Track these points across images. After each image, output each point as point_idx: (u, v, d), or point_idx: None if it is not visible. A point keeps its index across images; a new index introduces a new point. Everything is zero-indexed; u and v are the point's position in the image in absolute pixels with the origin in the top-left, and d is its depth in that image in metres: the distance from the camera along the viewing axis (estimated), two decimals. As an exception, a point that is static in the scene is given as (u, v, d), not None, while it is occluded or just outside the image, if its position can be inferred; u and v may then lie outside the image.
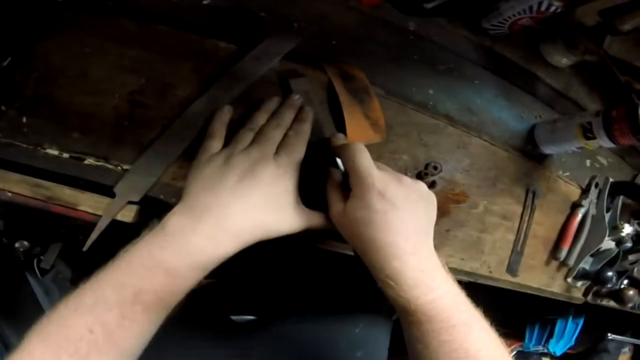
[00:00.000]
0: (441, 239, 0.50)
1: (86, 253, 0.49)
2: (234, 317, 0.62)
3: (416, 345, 0.34)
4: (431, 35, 0.49)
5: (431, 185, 0.48)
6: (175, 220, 0.33)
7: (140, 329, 0.31)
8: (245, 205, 0.34)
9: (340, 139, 0.40)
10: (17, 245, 0.50)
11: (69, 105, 0.37)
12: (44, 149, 0.36)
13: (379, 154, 0.45)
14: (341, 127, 0.42)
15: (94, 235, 0.37)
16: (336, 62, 0.44)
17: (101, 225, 0.37)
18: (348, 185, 0.36)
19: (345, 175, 0.37)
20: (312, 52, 0.42)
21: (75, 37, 0.37)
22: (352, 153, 0.35)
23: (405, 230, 0.34)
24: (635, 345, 0.97)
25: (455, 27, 0.51)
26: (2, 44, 0.35)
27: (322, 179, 0.39)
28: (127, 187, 0.38)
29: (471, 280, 0.55)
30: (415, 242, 0.34)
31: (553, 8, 0.49)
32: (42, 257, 0.53)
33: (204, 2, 0.40)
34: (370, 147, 0.42)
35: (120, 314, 0.30)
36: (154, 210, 0.38)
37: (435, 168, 0.47)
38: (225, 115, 0.39)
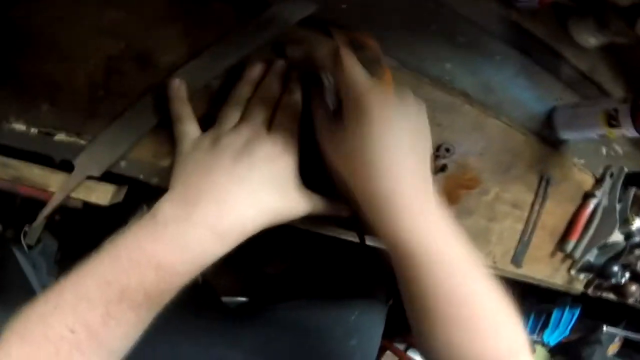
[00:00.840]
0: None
1: (71, 225, 0.46)
2: (225, 299, 0.61)
3: (412, 288, 0.32)
4: (454, 4, 0.45)
5: (441, 169, 0.45)
6: (167, 208, 0.30)
7: (127, 328, 0.29)
8: (247, 188, 0.31)
9: (325, 50, 0.36)
10: None
11: (37, 74, 0.32)
12: (10, 123, 0.32)
13: None
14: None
15: (45, 211, 0.34)
16: (346, 28, 0.40)
17: (54, 202, 0.34)
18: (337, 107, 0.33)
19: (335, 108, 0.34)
20: (320, 15, 0.38)
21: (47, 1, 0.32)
22: (344, 68, 0.31)
23: (404, 162, 0.31)
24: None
25: (481, -4, 0.47)
26: None
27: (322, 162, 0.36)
28: (87, 160, 0.34)
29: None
30: (414, 176, 0.31)
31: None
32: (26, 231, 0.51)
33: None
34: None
35: (106, 313, 0.27)
36: (137, 194, 0.35)
37: (447, 150, 0.45)
38: (179, 90, 0.34)
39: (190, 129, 0.34)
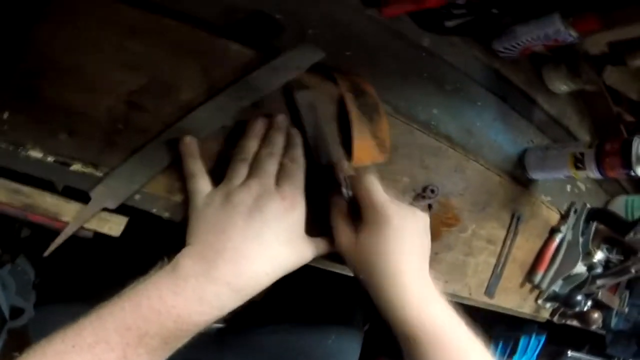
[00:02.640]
0: (429, 262, 0.56)
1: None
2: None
3: None
4: (443, 53, 0.53)
5: (428, 209, 0.53)
6: (187, 263, 0.34)
7: None
8: (260, 245, 0.36)
9: (345, 166, 0.43)
10: None
11: (59, 103, 0.36)
12: (26, 150, 0.36)
13: (380, 174, 0.48)
14: (347, 144, 0.45)
15: (58, 240, 0.38)
16: (348, 73, 0.47)
17: (68, 231, 0.37)
18: (353, 212, 0.41)
19: (351, 203, 0.41)
20: (326, 60, 0.45)
21: (71, 25, 0.36)
22: (366, 187, 0.39)
23: (414, 262, 0.39)
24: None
25: (468, 46, 0.56)
26: None
27: (323, 204, 0.43)
28: (104, 192, 0.38)
29: (449, 300, 0.62)
30: (421, 272, 0.39)
31: (569, 39, 0.55)
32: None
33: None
34: (372, 168, 0.46)
35: (123, 356, 0.31)
36: (145, 225, 0.40)
37: (432, 192, 0.53)
38: (191, 147, 0.39)
39: (202, 185, 0.38)
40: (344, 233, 0.41)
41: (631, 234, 0.71)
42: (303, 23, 0.46)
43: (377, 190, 0.39)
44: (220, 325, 0.68)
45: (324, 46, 0.45)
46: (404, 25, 0.51)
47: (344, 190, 0.41)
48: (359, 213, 0.41)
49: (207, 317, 0.34)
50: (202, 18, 0.41)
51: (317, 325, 0.65)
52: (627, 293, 0.96)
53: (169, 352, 0.34)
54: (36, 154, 0.36)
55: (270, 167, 0.40)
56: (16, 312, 0.79)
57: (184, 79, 0.40)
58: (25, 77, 0.36)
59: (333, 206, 0.43)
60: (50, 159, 0.37)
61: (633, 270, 0.81)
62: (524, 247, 0.69)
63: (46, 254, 0.38)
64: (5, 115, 0.35)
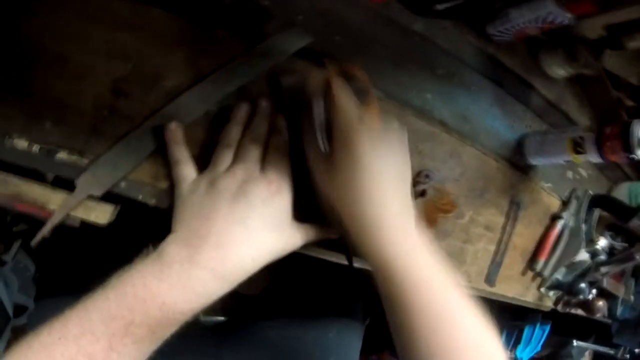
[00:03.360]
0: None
1: (49, 248, 0.49)
2: (202, 318, 0.65)
3: (394, 305, 0.36)
4: (435, 37, 0.52)
5: (421, 194, 0.52)
6: (172, 250, 0.34)
7: None
8: (245, 230, 0.35)
9: (311, 74, 0.40)
10: None
11: (44, 92, 0.36)
12: (12, 139, 0.36)
13: None
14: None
15: (45, 230, 0.38)
16: (338, 59, 0.46)
17: (54, 220, 0.37)
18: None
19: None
20: (314, 47, 0.44)
21: (58, 15, 0.36)
22: (333, 99, 0.37)
23: (390, 181, 0.36)
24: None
25: (460, 31, 0.55)
26: None
27: (311, 190, 0.41)
28: (89, 180, 0.38)
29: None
30: (400, 214, 0.37)
31: (564, 20, 0.54)
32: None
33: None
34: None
35: (109, 346, 0.31)
36: (132, 213, 0.39)
37: (427, 177, 0.52)
38: (176, 133, 0.39)
39: (187, 171, 0.38)
40: (315, 158, 0.39)
41: (635, 220, 0.70)
42: (291, 10, 0.45)
43: (346, 103, 0.37)
44: (220, 319, 0.68)
45: (313, 33, 0.45)
46: (394, 10, 0.50)
47: (320, 143, 0.38)
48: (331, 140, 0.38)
49: (193, 304, 0.34)
50: (189, 5, 0.40)
51: (317, 319, 0.65)
52: (632, 281, 0.94)
53: (157, 343, 0.34)
54: (22, 143, 0.36)
55: (255, 152, 0.39)
56: (19, 309, 0.80)
57: (169, 66, 0.40)
58: (12, 67, 0.36)
59: (305, 132, 0.41)
60: (35, 148, 0.37)
61: (638, 257, 0.79)
62: (524, 234, 0.67)
63: (33, 243, 0.38)
64: (-10, 105, 0.35)
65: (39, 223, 0.39)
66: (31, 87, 0.36)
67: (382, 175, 0.36)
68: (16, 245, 0.60)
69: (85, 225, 0.39)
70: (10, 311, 0.74)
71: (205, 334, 0.62)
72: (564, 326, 1.02)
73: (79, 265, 0.58)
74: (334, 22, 0.47)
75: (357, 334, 0.70)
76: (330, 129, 0.38)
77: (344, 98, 0.38)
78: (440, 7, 0.50)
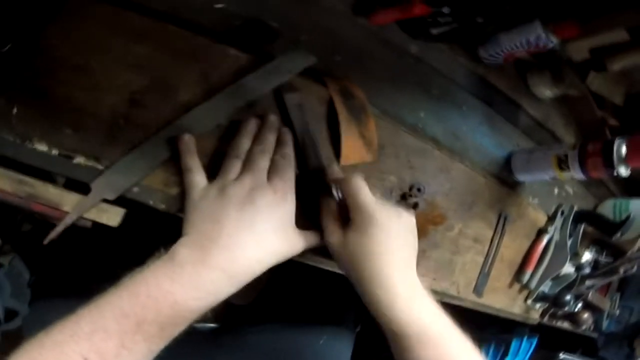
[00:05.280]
0: (417, 259, 0.59)
1: (46, 255, 0.52)
2: (195, 325, 0.67)
3: (405, 358, 0.41)
4: (430, 59, 0.57)
5: (414, 207, 0.56)
6: (184, 251, 0.37)
7: (138, 358, 0.34)
8: (253, 234, 0.38)
9: (336, 170, 0.46)
10: None
11: (65, 100, 0.39)
12: (32, 143, 0.39)
13: (368, 173, 0.51)
14: (336, 144, 0.49)
15: (59, 229, 0.40)
16: (338, 77, 0.50)
17: (68, 220, 0.40)
18: (343, 212, 0.43)
19: (340, 204, 0.44)
20: (317, 65, 0.48)
21: (80, 28, 0.40)
22: (354, 189, 0.42)
23: (401, 261, 0.42)
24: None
25: (454, 53, 0.59)
26: (6, 28, 0.37)
27: (314, 199, 0.46)
28: (104, 184, 0.40)
29: (438, 299, 0.64)
30: (407, 271, 0.42)
31: (551, 44, 0.58)
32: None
33: (217, 6, 0.45)
34: (360, 166, 0.49)
35: (120, 344, 0.32)
36: (141, 217, 0.42)
37: (419, 190, 0.56)
38: (189, 144, 0.42)
39: (198, 179, 0.41)
40: (333, 233, 0.43)
41: (618, 235, 0.74)
42: (297, 30, 0.49)
43: (364, 192, 0.42)
44: (213, 325, 0.70)
45: (316, 52, 0.49)
46: (392, 32, 0.55)
47: (334, 192, 0.44)
48: (347, 214, 0.43)
49: (203, 302, 0.36)
50: (203, 25, 0.44)
51: (309, 326, 0.68)
52: (617, 295, 0.99)
53: (166, 340, 0.36)
54: (42, 147, 0.39)
55: (262, 163, 0.42)
56: (10, 314, 0.81)
57: (183, 80, 0.43)
58: (35, 75, 0.39)
59: (323, 207, 0.45)
60: (54, 151, 0.40)
61: (621, 271, 0.84)
62: (512, 247, 0.71)
63: (46, 241, 0.40)
64: (15, 110, 0.39)
65: (44, 224, 0.42)
66: (52, 95, 0.40)
67: (395, 250, 0.42)
68: (9, 257, 0.62)
69: (84, 231, 0.42)
70: (1, 315, 0.75)
71: (200, 339, 0.64)
72: (550, 340, 1.05)
73: (78, 270, 0.60)
74: (335, 42, 0.51)
75: (347, 341, 0.72)
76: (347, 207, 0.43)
77: (363, 187, 0.42)
78: (435, 31, 0.54)
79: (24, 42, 0.39)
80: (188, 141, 0.42)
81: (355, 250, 0.41)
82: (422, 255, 0.59)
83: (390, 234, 0.41)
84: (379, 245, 0.41)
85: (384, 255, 0.41)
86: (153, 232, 0.54)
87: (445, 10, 0.54)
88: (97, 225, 0.42)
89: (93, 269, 0.59)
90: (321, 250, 0.47)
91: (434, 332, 0.41)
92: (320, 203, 0.46)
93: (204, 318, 0.71)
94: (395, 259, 0.41)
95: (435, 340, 0.40)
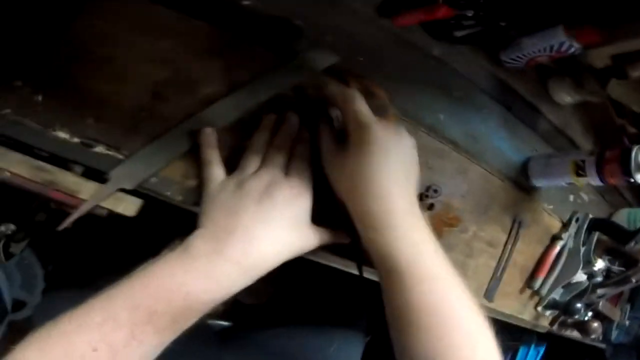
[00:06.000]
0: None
1: (59, 245, 0.52)
2: (209, 322, 0.68)
3: (396, 301, 0.39)
4: (452, 61, 0.57)
5: (429, 208, 0.56)
6: (199, 243, 0.37)
7: (147, 350, 0.34)
8: (269, 227, 0.38)
9: (334, 84, 0.44)
10: (2, 228, 0.53)
11: (89, 90, 0.40)
12: (54, 130, 0.39)
13: None
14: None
15: (74, 216, 0.40)
16: (361, 77, 0.50)
17: (84, 208, 0.40)
18: (340, 139, 0.42)
19: (338, 127, 0.43)
20: (340, 64, 0.49)
21: (107, 20, 0.40)
22: (352, 106, 0.40)
23: (400, 184, 0.39)
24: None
25: (476, 56, 0.59)
26: (36, 17, 0.38)
27: (328, 197, 0.45)
28: (122, 173, 0.41)
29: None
30: (406, 194, 0.40)
31: (573, 49, 0.58)
32: (10, 243, 0.57)
33: (244, 3, 0.45)
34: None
35: (130, 334, 0.32)
36: (158, 209, 0.43)
37: (435, 191, 0.55)
38: (210, 137, 0.42)
39: (217, 172, 0.41)
40: (330, 153, 0.42)
41: (632, 244, 0.74)
42: (321, 30, 0.49)
43: (364, 110, 0.41)
44: (225, 323, 0.71)
45: (339, 52, 0.49)
46: (415, 34, 0.55)
47: (332, 113, 0.42)
48: (346, 138, 0.42)
49: (216, 295, 0.36)
50: (228, 21, 0.44)
51: (320, 331, 0.68)
52: (628, 306, 0.98)
53: (176, 333, 0.36)
54: (64, 135, 0.40)
55: (280, 159, 0.43)
56: (18, 305, 0.82)
57: (206, 75, 0.43)
58: (62, 64, 0.39)
59: (321, 129, 0.44)
60: (76, 140, 0.40)
61: (634, 280, 0.83)
62: (525, 252, 0.71)
63: (60, 228, 0.40)
64: (39, 98, 0.39)
65: (59, 213, 0.42)
66: (77, 84, 0.40)
67: (392, 173, 0.39)
68: (24, 243, 0.63)
69: (98, 222, 0.43)
70: (9, 305, 0.76)
71: (211, 337, 0.65)
72: (558, 349, 1.05)
73: (88, 260, 0.61)
74: (359, 43, 0.51)
75: (357, 348, 0.72)
76: (344, 133, 0.42)
77: (361, 102, 0.41)
78: (458, 34, 0.54)
79: (53, 32, 0.39)
80: (209, 134, 0.42)
81: (352, 171, 0.40)
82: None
83: (389, 150, 0.40)
84: (377, 165, 0.39)
85: (382, 176, 0.39)
86: (166, 225, 0.54)
87: (469, 13, 0.53)
88: (110, 216, 0.42)
89: (106, 260, 0.59)
90: (334, 248, 0.46)
91: (427, 267, 0.38)
92: (318, 127, 0.45)
93: (216, 315, 0.72)
94: (393, 182, 0.39)
95: (431, 281, 0.38)
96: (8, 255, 0.58)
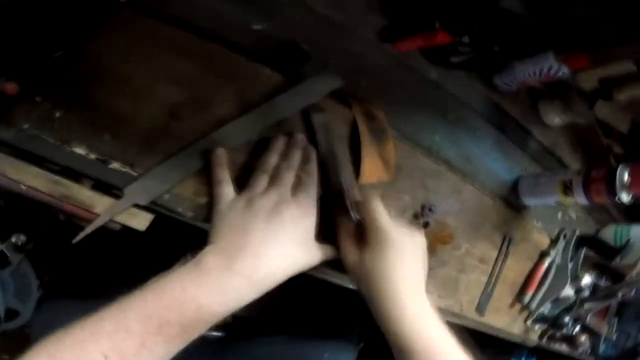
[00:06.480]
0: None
1: (64, 256, 0.53)
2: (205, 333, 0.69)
3: None
4: (448, 85, 0.60)
5: (425, 226, 0.58)
6: (210, 258, 0.38)
7: (156, 359, 0.35)
8: (277, 244, 0.41)
9: (354, 192, 0.48)
10: (14, 239, 0.55)
11: (107, 107, 0.42)
12: (71, 146, 0.41)
13: (385, 192, 0.54)
14: (357, 163, 0.51)
15: (88, 230, 0.42)
16: (362, 100, 0.53)
17: (99, 222, 0.42)
18: (359, 232, 0.46)
19: (357, 224, 0.46)
20: (343, 88, 0.51)
21: (127, 39, 0.42)
22: (372, 211, 0.44)
23: (412, 280, 0.44)
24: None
25: (471, 80, 0.62)
26: (57, 34, 0.40)
27: (333, 216, 0.48)
28: (137, 189, 0.43)
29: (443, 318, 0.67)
30: (418, 290, 0.44)
31: (562, 73, 0.61)
32: (7, 253, 0.58)
33: (255, 27, 0.48)
34: (377, 186, 0.52)
35: (141, 344, 0.34)
36: (168, 224, 0.45)
37: (430, 210, 0.58)
38: (221, 157, 0.44)
39: (227, 191, 0.43)
40: (350, 252, 0.46)
41: (617, 259, 0.77)
42: (326, 54, 0.52)
43: (381, 214, 0.44)
44: (219, 334, 0.72)
45: (343, 75, 0.52)
46: (414, 59, 0.58)
47: (352, 214, 0.46)
48: (363, 234, 0.45)
49: (226, 307, 0.38)
50: (240, 44, 0.47)
51: (313, 339, 0.70)
52: (615, 320, 1.00)
53: (185, 342, 0.37)
54: (80, 150, 0.42)
55: (288, 178, 0.45)
56: (11, 313, 0.82)
57: (220, 96, 0.46)
58: (80, 82, 0.42)
59: (341, 227, 0.47)
60: (92, 156, 0.42)
61: (620, 294, 0.86)
62: (515, 268, 0.74)
63: (75, 241, 0.42)
64: (58, 114, 0.41)
65: (63, 225, 0.43)
66: (95, 102, 0.42)
67: (405, 272, 0.44)
68: (20, 255, 0.64)
69: (102, 237, 0.44)
70: (2, 314, 0.76)
71: (206, 347, 0.66)
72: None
73: (89, 273, 0.62)
74: (361, 67, 0.54)
75: (350, 356, 0.74)
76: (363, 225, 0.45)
77: (379, 206, 0.45)
78: (455, 59, 0.57)
79: (73, 50, 0.41)
80: (220, 154, 0.44)
81: (370, 269, 0.43)
82: (429, 272, 0.61)
83: (405, 254, 0.44)
84: (394, 264, 0.43)
85: (398, 273, 0.43)
86: (173, 240, 0.56)
87: (465, 39, 0.57)
88: (117, 231, 0.44)
89: (106, 272, 0.61)
90: (334, 264, 0.49)
91: (441, 349, 0.42)
92: (337, 223, 0.48)
93: (212, 327, 0.73)
94: (407, 278, 0.43)
95: (441, 356, 0.42)
96: (3, 264, 0.59)
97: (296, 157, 0.47)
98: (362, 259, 0.44)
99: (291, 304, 0.74)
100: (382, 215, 0.44)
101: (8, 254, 0.61)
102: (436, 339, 0.43)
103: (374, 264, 0.43)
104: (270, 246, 0.40)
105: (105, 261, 0.63)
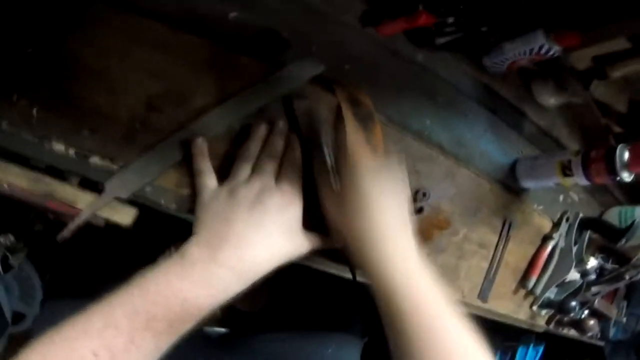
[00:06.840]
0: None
1: (57, 255, 0.53)
2: (206, 329, 0.69)
3: (392, 318, 0.39)
4: (435, 68, 0.59)
5: (419, 211, 0.57)
6: (195, 250, 0.38)
7: (145, 355, 0.35)
8: (261, 234, 0.40)
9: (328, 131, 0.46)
10: (1, 239, 0.55)
11: (84, 102, 0.41)
12: (51, 143, 0.41)
13: None
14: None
15: (71, 226, 0.42)
16: (347, 85, 0.52)
17: (81, 218, 0.41)
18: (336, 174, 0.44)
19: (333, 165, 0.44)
20: (326, 73, 0.50)
21: (102, 34, 0.42)
22: (346, 147, 0.42)
23: (393, 218, 0.41)
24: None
25: (458, 62, 0.61)
26: (30, 31, 0.39)
27: (318, 203, 0.46)
28: (118, 183, 0.42)
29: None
30: (400, 227, 0.42)
31: (553, 52, 0.60)
32: (8, 255, 0.58)
33: (231, 15, 0.47)
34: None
35: (130, 340, 0.34)
36: (153, 218, 0.44)
37: (424, 195, 0.57)
38: (201, 147, 0.43)
39: (209, 181, 0.43)
40: (327, 190, 0.44)
41: (623, 241, 0.75)
42: (307, 41, 0.51)
43: (355, 145, 0.43)
44: (222, 330, 0.72)
45: (326, 61, 0.51)
46: (399, 42, 0.57)
47: (326, 155, 0.44)
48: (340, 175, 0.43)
49: (212, 300, 0.38)
50: (218, 33, 0.46)
51: (316, 334, 0.69)
52: (625, 303, 0.99)
53: (174, 338, 0.37)
54: (59, 146, 0.41)
55: (271, 167, 0.44)
56: (18, 317, 0.82)
57: (198, 86, 0.45)
58: (57, 78, 0.41)
59: (316, 165, 0.46)
60: (71, 152, 0.41)
61: (627, 277, 0.84)
62: (516, 253, 0.72)
63: (59, 238, 0.42)
64: (35, 111, 0.40)
65: (56, 224, 0.43)
66: (73, 97, 0.41)
67: (384, 204, 0.42)
68: (24, 251, 0.64)
69: (95, 232, 0.44)
70: (9, 317, 0.76)
71: (209, 344, 0.65)
72: (557, 349, 1.06)
73: (86, 270, 0.62)
74: (345, 52, 0.53)
75: (355, 350, 0.73)
76: (339, 166, 0.44)
77: (353, 128, 0.44)
78: (440, 40, 0.56)
79: (47, 46, 0.41)
80: (201, 144, 0.43)
81: (348, 209, 0.41)
82: (427, 259, 0.60)
83: (379, 186, 0.41)
84: (368, 200, 0.41)
85: (374, 210, 0.41)
86: (161, 233, 0.55)
87: (450, 20, 0.55)
88: (107, 227, 0.44)
89: (103, 269, 0.60)
90: (327, 253, 0.48)
91: (422, 294, 0.39)
92: (314, 168, 0.46)
93: (213, 322, 0.73)
94: (385, 215, 0.41)
95: (425, 300, 0.39)
96: (6, 268, 0.59)
97: (278, 144, 0.46)
98: (339, 200, 0.42)
99: (294, 299, 0.74)
100: (355, 147, 0.42)
101: (9, 257, 0.61)
102: (419, 281, 0.40)
103: (352, 204, 0.41)
104: (254, 236, 0.40)
105: (104, 258, 0.63)
